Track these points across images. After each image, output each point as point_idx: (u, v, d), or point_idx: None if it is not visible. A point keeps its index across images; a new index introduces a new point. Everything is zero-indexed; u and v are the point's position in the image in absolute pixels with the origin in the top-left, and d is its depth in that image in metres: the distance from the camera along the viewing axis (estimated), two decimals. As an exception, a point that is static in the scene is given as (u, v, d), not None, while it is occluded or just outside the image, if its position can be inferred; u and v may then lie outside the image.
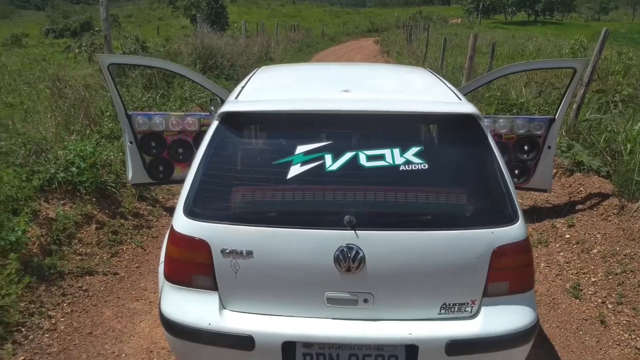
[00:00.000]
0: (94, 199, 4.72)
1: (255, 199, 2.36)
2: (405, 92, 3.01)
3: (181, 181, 5.09)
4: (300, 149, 2.29)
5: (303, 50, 24.68)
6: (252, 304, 2.30)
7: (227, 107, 2.43)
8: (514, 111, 7.85)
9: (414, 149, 2.31)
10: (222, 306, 2.30)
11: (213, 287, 2.29)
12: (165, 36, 21.29)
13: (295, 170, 2.25)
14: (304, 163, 2.27)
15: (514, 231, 2.27)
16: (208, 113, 4.94)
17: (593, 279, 4.13)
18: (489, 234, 2.23)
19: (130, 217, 4.93)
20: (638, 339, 3.44)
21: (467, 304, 2.29)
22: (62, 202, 4.45)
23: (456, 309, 2.29)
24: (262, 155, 2.41)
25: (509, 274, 2.32)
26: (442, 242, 2.22)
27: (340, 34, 37.97)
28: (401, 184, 2.29)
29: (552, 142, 4.81)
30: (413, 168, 2.27)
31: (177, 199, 5.46)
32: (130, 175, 4.87)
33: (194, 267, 2.32)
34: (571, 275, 4.26)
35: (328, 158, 2.27)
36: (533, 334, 2.36)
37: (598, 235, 4.59)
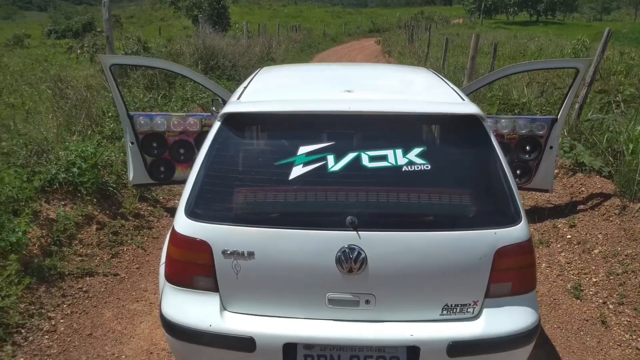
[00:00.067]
0: (95, 200, 4.72)
1: (257, 200, 2.35)
2: (408, 93, 3.00)
3: (182, 182, 5.09)
4: (303, 149, 2.28)
5: (304, 50, 24.68)
6: (253, 305, 2.30)
7: (230, 108, 2.42)
8: (516, 111, 7.83)
9: (417, 150, 2.30)
10: (223, 307, 2.30)
11: (214, 288, 2.29)
12: (167, 37, 21.32)
13: (297, 171, 2.25)
14: (306, 164, 2.26)
15: (517, 232, 2.26)
16: (210, 113, 4.93)
17: (594, 280, 4.12)
18: (492, 235, 2.22)
19: (131, 218, 4.93)
20: (639, 339, 3.42)
21: (469, 305, 2.28)
22: (63, 202, 4.45)
23: (458, 310, 2.28)
24: (264, 156, 2.41)
25: (512, 275, 2.31)
26: (445, 243, 2.21)
27: (341, 35, 37.96)
28: (404, 185, 2.29)
29: (554, 142, 4.80)
30: (416, 169, 2.26)
31: (178, 200, 5.45)
32: (131, 175, 4.86)
33: (195, 268, 2.31)
34: (572, 276, 4.25)
35: (330, 159, 2.26)
36: (535, 335, 2.35)
37: (599, 236, 4.57)
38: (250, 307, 2.30)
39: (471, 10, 61.52)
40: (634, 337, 3.44)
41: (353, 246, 2.17)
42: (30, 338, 3.20)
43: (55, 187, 4.46)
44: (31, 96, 7.91)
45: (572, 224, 4.89)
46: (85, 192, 4.62)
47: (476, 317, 2.30)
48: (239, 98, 2.64)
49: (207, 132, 4.74)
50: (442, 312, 2.28)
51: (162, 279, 2.49)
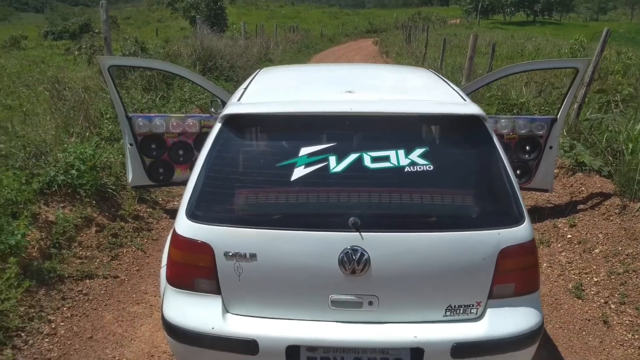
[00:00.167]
0: (94, 202, 4.69)
1: (258, 201, 2.34)
2: (409, 93, 2.99)
3: (181, 183, 5.12)
4: (305, 150, 2.27)
5: (302, 51, 24.68)
6: (256, 308, 2.28)
7: (231, 109, 2.41)
8: (515, 111, 7.83)
9: (419, 150, 2.29)
10: (225, 310, 2.28)
11: (216, 290, 2.27)
12: (164, 38, 21.31)
13: (299, 172, 2.23)
14: (308, 165, 2.25)
15: (520, 232, 2.25)
16: (209, 115, 4.92)
17: (595, 279, 4.11)
18: (496, 235, 2.21)
19: (130, 220, 4.91)
20: (642, 339, 3.42)
21: (473, 305, 2.27)
22: (62, 205, 4.42)
23: (461, 311, 2.27)
24: (265, 157, 2.39)
25: (515, 276, 2.30)
26: (448, 244, 2.21)
27: (339, 35, 37.96)
28: (406, 185, 2.28)
29: (553, 142, 4.80)
30: (418, 169, 2.25)
31: (178, 201, 5.42)
32: (130, 177, 4.85)
33: (196, 270, 2.30)
34: (573, 276, 4.24)
35: (332, 160, 2.25)
36: (538, 336, 2.35)
37: (600, 235, 4.57)
38: (253, 310, 2.29)
39: (468, 11, 61.59)
40: (636, 336, 3.43)
41: (356, 247, 2.16)
42: (31, 341, 3.18)
43: (54, 189, 4.43)
44: (29, 98, 7.88)
45: (573, 223, 4.88)
46: (84, 194, 4.60)
47: (479, 318, 2.29)
48: (239, 99, 2.63)
49: (206, 134, 4.75)
50: (445, 313, 2.27)
51: (164, 281, 2.47)
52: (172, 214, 5.32)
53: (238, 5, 58.54)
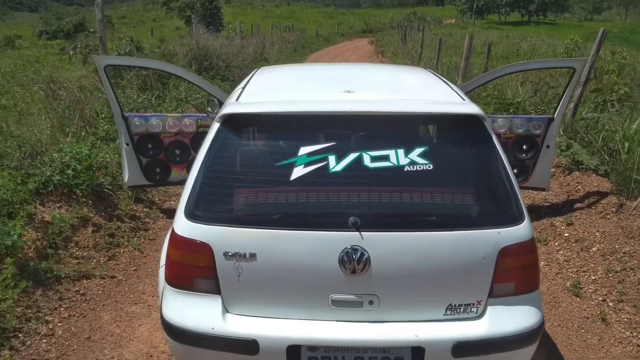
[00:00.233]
0: (90, 202, 4.67)
1: (258, 201, 2.33)
2: (408, 93, 2.99)
3: (178, 183, 5.11)
4: (304, 150, 2.26)
5: (298, 51, 24.67)
6: (256, 308, 2.27)
7: (229, 109, 2.39)
8: (511, 110, 7.85)
9: (419, 150, 2.28)
10: (225, 310, 2.27)
11: (216, 290, 2.26)
12: (159, 37, 21.21)
13: (298, 171, 2.23)
14: (307, 164, 2.24)
15: (520, 231, 2.25)
16: (205, 114, 4.90)
17: (593, 277, 4.13)
18: (496, 234, 2.21)
19: (127, 220, 4.88)
20: (640, 337, 3.43)
21: (473, 304, 2.27)
22: (58, 205, 4.40)
23: (462, 310, 2.27)
24: (264, 156, 2.38)
25: (515, 275, 2.30)
26: (448, 243, 2.20)
27: (334, 35, 37.99)
28: (406, 185, 2.27)
29: (550, 141, 4.81)
30: (418, 169, 2.24)
31: (174, 201, 5.40)
32: (126, 177, 4.82)
33: (196, 270, 2.28)
34: (571, 274, 4.25)
35: (332, 159, 2.25)
36: (539, 335, 2.35)
37: (597, 234, 4.59)
38: (253, 309, 2.28)
39: (463, 11, 61.72)
40: (635, 334, 3.45)
41: (356, 247, 2.15)
42: (28, 342, 3.16)
43: (50, 189, 4.40)
44: (23, 97, 7.83)
45: (570, 222, 4.90)
46: (80, 194, 4.58)
47: (480, 316, 2.28)
48: (237, 99, 2.61)
49: (203, 133, 4.74)
50: (446, 312, 2.27)
51: (162, 281, 2.46)
52: (169, 213, 5.30)
53: (233, 4, 58.43)
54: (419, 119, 2.50)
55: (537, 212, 5.28)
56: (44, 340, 3.22)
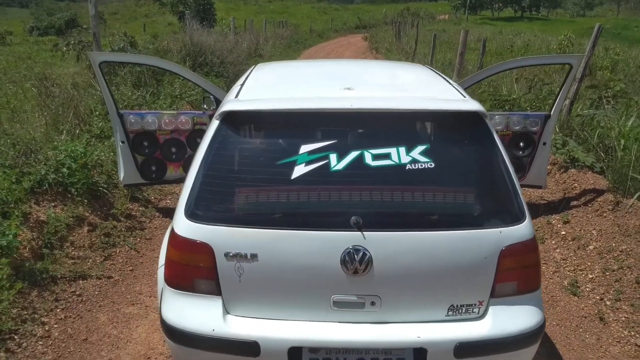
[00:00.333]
0: (86, 201, 4.61)
1: (259, 200, 2.30)
2: (409, 90, 2.96)
3: (174, 181, 5.07)
4: (305, 148, 2.24)
5: (292, 46, 24.57)
6: (257, 309, 2.25)
7: (229, 106, 2.36)
8: (506, 107, 7.85)
9: (420, 148, 2.27)
10: (226, 311, 2.25)
11: (216, 291, 2.24)
12: (152, 33, 21.03)
13: (299, 170, 2.20)
14: (308, 163, 2.22)
15: (521, 230, 2.24)
16: (201, 111, 4.86)
17: (590, 276, 4.13)
18: (497, 234, 2.20)
19: (122, 219, 4.84)
20: (638, 335, 3.44)
21: (475, 305, 2.26)
22: (53, 204, 4.35)
23: (464, 311, 2.26)
24: (265, 155, 2.36)
25: (517, 274, 2.29)
26: (450, 243, 2.19)
27: (328, 31, 37.83)
28: (408, 184, 2.26)
29: (547, 138, 4.82)
30: (419, 167, 2.23)
31: (170, 200, 5.34)
32: (122, 175, 4.78)
33: (196, 271, 2.26)
34: (568, 272, 4.26)
35: (333, 157, 2.23)
36: (541, 335, 2.35)
37: (594, 232, 4.59)
38: (254, 311, 2.26)
39: (456, 6, 61.71)
40: (633, 333, 3.45)
41: (358, 247, 2.14)
42: (24, 344, 3.12)
43: (44, 188, 4.35)
44: (16, 94, 7.75)
45: (566, 220, 4.90)
46: (75, 193, 4.53)
47: (482, 317, 2.28)
48: (236, 96, 2.59)
49: (199, 131, 4.70)
50: (448, 312, 2.26)
51: (161, 282, 2.43)
52: (165, 212, 5.26)
53: (226, 0, 58.11)
54: (421, 116, 2.48)
55: (533, 210, 5.28)
56: (40, 342, 3.18)
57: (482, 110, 2.38)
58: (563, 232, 4.79)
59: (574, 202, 5.14)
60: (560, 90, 4.74)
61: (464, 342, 2.19)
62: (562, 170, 5.80)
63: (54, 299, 3.57)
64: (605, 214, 4.74)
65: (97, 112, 6.60)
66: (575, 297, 3.92)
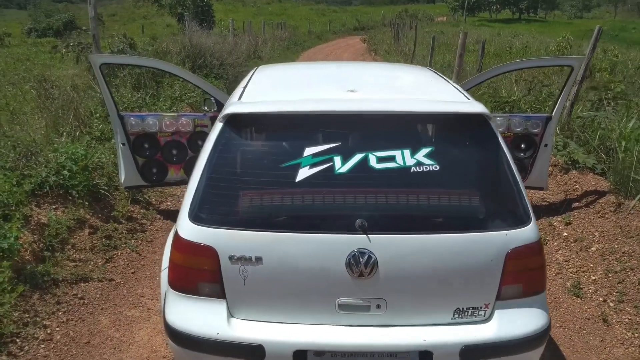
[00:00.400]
0: (87, 203, 4.59)
1: (263, 203, 2.30)
2: (412, 92, 2.96)
3: (175, 183, 5.06)
4: (309, 150, 2.23)
5: (290, 48, 24.59)
6: (262, 312, 2.24)
7: (233, 108, 2.35)
8: (506, 109, 7.86)
9: (425, 150, 2.26)
10: (230, 314, 2.24)
11: (220, 294, 2.23)
12: (151, 35, 21.01)
13: (304, 172, 2.20)
14: (312, 165, 2.21)
15: (527, 233, 2.24)
16: (202, 114, 4.85)
17: (593, 277, 4.13)
18: (503, 236, 2.20)
19: (123, 221, 4.82)
20: (641, 337, 3.44)
21: (481, 307, 2.25)
22: (54, 206, 4.32)
23: (469, 313, 2.25)
24: (269, 157, 2.35)
25: (523, 276, 2.29)
26: (456, 245, 2.18)
27: (327, 32, 37.89)
28: (413, 186, 2.25)
29: (548, 140, 4.81)
30: (424, 169, 2.22)
31: (171, 202, 5.32)
32: (122, 177, 4.76)
33: (200, 274, 2.25)
34: (571, 274, 4.25)
35: (337, 160, 2.22)
36: (546, 337, 2.34)
37: (596, 233, 4.59)
38: (259, 314, 2.25)
39: (454, 8, 61.80)
40: (636, 335, 3.45)
41: (363, 250, 2.13)
42: (26, 347, 3.10)
43: (45, 190, 4.33)
44: (15, 96, 7.72)
45: (568, 221, 4.90)
46: (76, 195, 4.51)
47: (488, 320, 2.27)
48: (239, 98, 2.57)
49: (200, 133, 4.68)
50: (453, 315, 2.25)
51: (165, 285, 2.42)
52: (166, 214, 5.25)
53: (224, 2, 58.06)
54: (425, 118, 2.48)
55: (535, 212, 5.22)
56: (42, 346, 3.17)
57: (487, 112, 2.38)
58: (565, 234, 4.79)
59: (576, 204, 5.14)
60: (561, 92, 4.74)
61: (470, 345, 2.18)
62: (563, 171, 5.80)
63: (55, 301, 3.55)
64: (607, 216, 4.73)
65: (98, 114, 6.58)
66: (578, 299, 3.91)
